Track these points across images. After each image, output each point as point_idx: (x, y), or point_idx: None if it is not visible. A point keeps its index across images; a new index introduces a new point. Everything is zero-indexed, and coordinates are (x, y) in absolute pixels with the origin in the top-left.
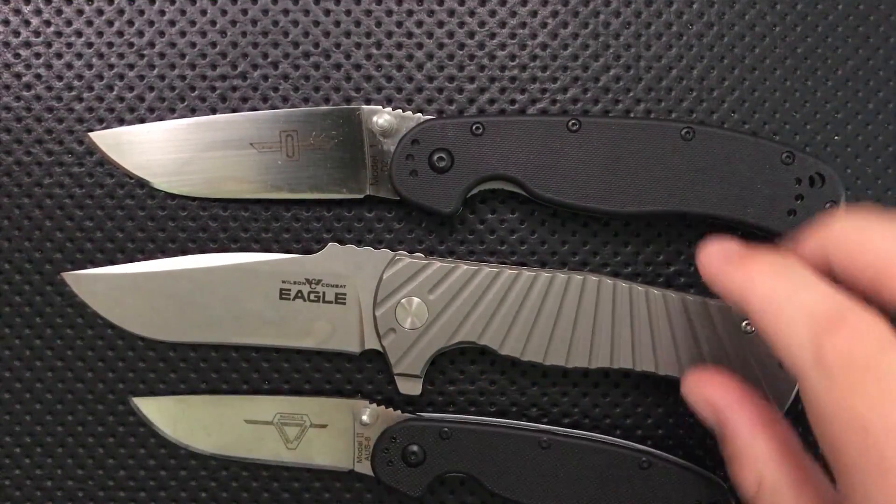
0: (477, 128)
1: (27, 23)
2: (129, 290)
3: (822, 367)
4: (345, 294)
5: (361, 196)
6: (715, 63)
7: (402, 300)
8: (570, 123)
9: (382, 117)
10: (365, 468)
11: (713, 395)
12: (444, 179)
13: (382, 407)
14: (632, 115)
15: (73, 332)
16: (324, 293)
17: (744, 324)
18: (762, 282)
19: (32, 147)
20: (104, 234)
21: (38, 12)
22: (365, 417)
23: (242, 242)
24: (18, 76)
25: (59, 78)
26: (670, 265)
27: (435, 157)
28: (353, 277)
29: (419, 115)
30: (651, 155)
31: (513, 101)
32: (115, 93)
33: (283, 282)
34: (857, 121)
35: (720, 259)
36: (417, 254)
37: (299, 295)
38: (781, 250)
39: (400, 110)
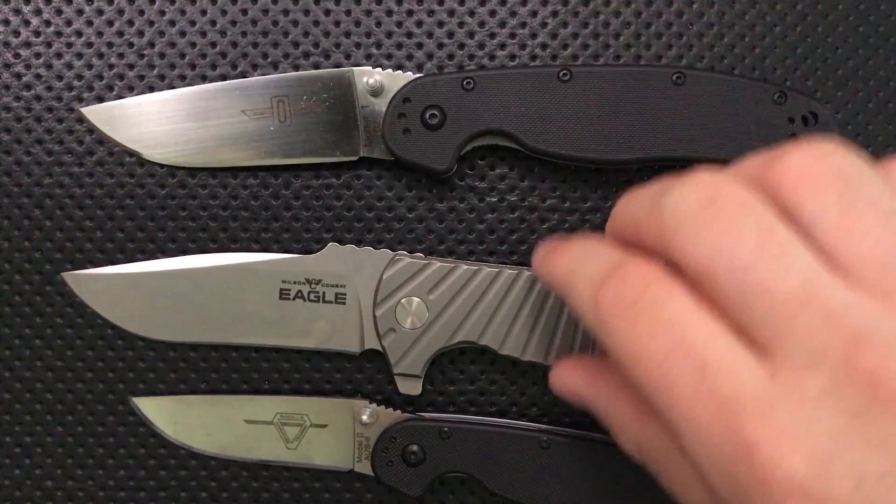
0: (468, 83)
1: (27, 23)
2: (128, 290)
3: (599, 321)
4: (345, 294)
5: (355, 158)
6: (715, 63)
7: (402, 300)
8: (561, 74)
9: (373, 77)
10: (365, 468)
11: (569, 384)
12: (438, 136)
13: (382, 407)
14: (622, 59)
15: (73, 332)
16: (324, 293)
17: None
18: (561, 263)
19: (32, 147)
20: (104, 233)
21: (38, 12)
22: (365, 417)
23: (242, 243)
24: (18, 76)
25: (59, 78)
26: None
27: (427, 115)
28: (353, 277)
29: (409, 73)
30: (643, 101)
31: None
32: (114, 93)
33: (283, 282)
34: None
35: (541, 254)
36: (417, 254)
37: (299, 295)
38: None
39: (390, 70)
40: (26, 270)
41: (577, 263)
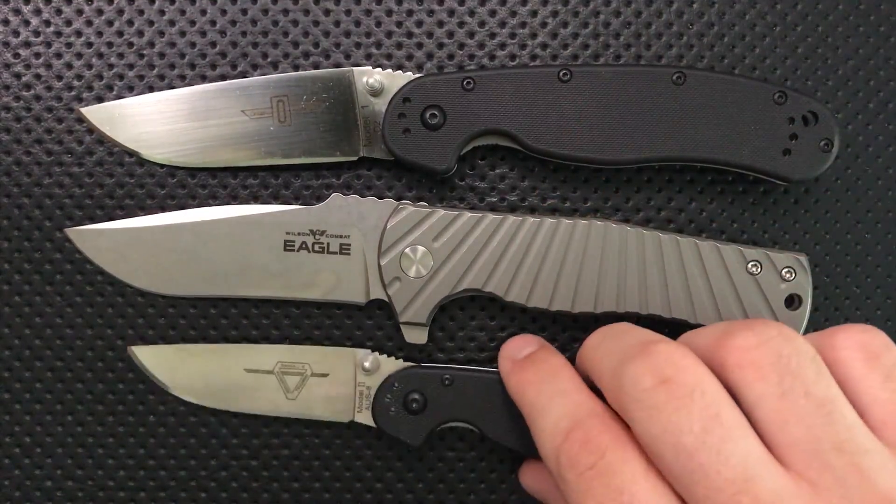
0: (468, 83)
1: (27, 23)
2: (132, 244)
3: (559, 473)
4: (349, 244)
5: (355, 158)
6: (715, 63)
7: (407, 249)
8: (561, 74)
9: (373, 77)
10: (366, 418)
11: (535, 487)
12: (438, 136)
13: (385, 356)
14: (622, 59)
15: (73, 333)
16: (328, 244)
17: (749, 265)
18: (530, 389)
19: (32, 147)
20: None
21: (38, 12)
22: (367, 364)
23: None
24: (18, 76)
25: (59, 78)
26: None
27: (427, 115)
28: (357, 227)
29: (409, 73)
30: (643, 101)
31: None
32: (114, 93)
33: (288, 233)
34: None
35: (508, 362)
36: (421, 202)
37: (304, 246)
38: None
39: (390, 70)
40: (26, 271)
41: (544, 397)
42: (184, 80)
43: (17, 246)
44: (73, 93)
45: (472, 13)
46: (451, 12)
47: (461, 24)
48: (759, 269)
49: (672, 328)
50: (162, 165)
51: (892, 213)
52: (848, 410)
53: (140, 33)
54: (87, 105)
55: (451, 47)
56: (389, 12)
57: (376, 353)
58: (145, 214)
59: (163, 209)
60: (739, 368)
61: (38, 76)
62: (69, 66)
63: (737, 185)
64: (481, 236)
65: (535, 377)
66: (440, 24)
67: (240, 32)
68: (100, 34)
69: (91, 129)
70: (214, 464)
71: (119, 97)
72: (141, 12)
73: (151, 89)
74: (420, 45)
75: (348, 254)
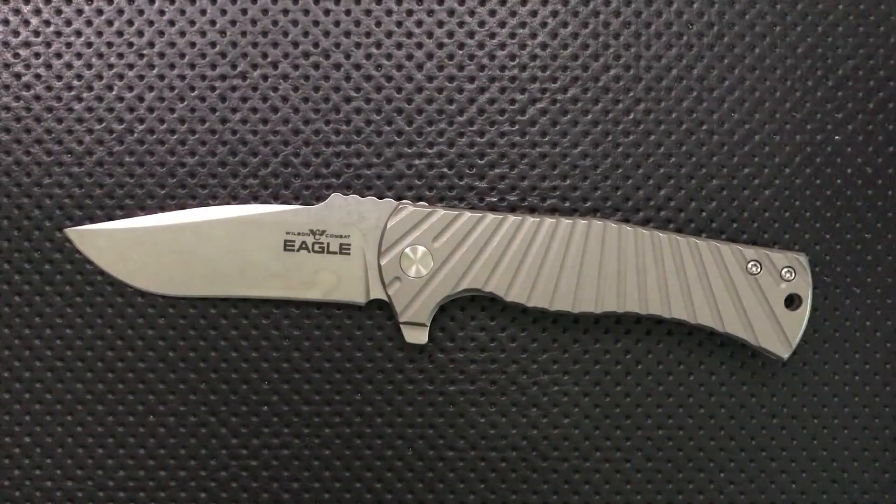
0: None
1: (26, 22)
2: (132, 244)
3: None
4: (349, 244)
5: None
6: (715, 63)
7: (407, 249)
8: None
9: None
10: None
11: None
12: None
13: None
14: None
15: (73, 333)
16: (328, 244)
17: (749, 265)
18: None
19: (32, 147)
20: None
21: (38, 12)
22: None
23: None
24: (18, 76)
25: (59, 78)
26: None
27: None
28: (357, 227)
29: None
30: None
31: (513, 101)
32: (114, 93)
33: (287, 233)
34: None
35: None
36: (421, 202)
37: (303, 246)
38: None
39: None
40: (26, 271)
41: None
42: (183, 80)
43: (17, 246)
44: (73, 93)
45: (472, 13)
46: (452, 12)
47: (461, 24)
48: (758, 269)
49: (672, 328)
50: (162, 164)
51: (892, 213)
52: None
53: (140, 33)
54: (86, 104)
55: (451, 47)
56: (389, 12)
57: None
58: (145, 214)
59: (163, 209)
60: None
61: (38, 76)
62: (69, 66)
63: (737, 185)
64: (481, 236)
65: None
66: (440, 24)
67: (240, 32)
68: (100, 34)
69: (90, 130)
70: (214, 464)
71: (119, 97)
72: (141, 12)
73: (151, 89)
74: (420, 45)
75: (348, 254)
